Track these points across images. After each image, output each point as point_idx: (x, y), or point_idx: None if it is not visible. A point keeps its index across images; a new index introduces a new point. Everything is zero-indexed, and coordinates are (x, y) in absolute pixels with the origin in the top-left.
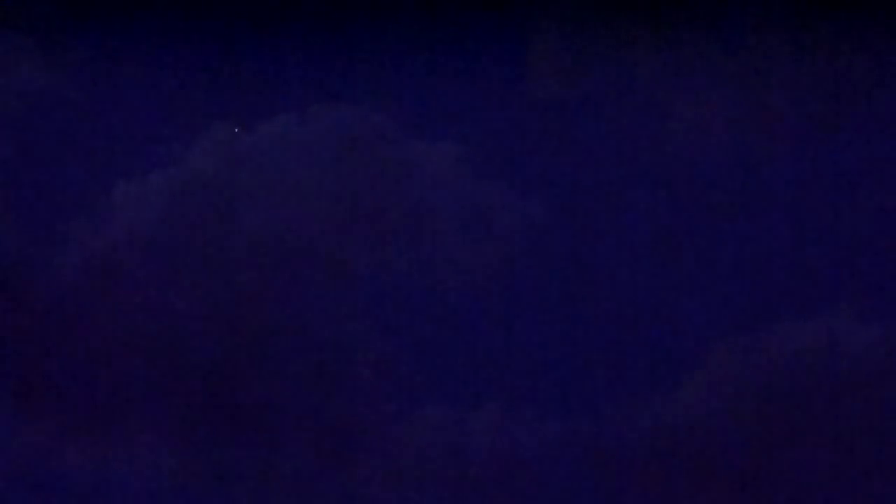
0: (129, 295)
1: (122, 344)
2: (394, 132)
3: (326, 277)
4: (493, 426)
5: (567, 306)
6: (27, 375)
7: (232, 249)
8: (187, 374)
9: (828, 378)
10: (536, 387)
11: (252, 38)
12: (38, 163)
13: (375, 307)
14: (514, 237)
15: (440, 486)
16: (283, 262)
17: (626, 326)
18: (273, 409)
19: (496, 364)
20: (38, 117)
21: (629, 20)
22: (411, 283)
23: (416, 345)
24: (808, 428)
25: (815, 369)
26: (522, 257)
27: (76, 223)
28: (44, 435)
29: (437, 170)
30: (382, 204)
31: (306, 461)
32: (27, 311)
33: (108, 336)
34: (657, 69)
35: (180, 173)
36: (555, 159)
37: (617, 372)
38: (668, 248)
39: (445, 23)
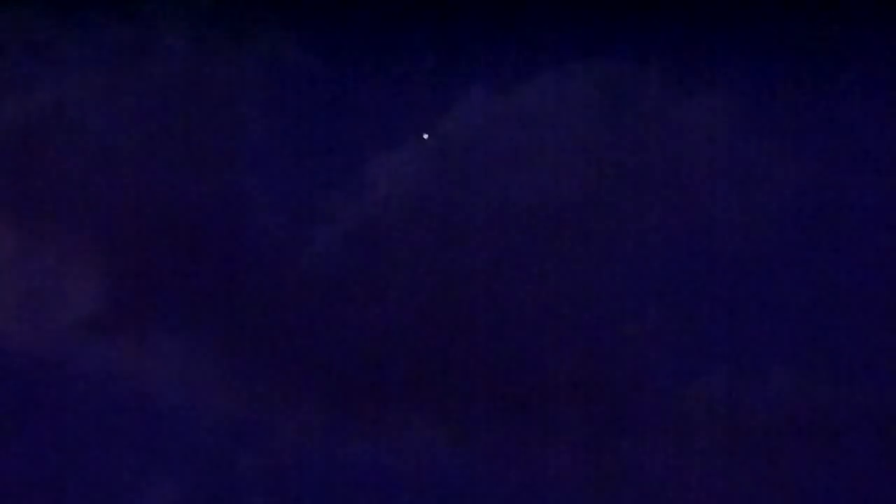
0: (390, 267)
1: (387, 318)
2: (656, 86)
3: (591, 239)
4: (780, 392)
5: (839, 261)
6: (294, 354)
7: (493, 215)
8: (454, 348)
9: None
10: (825, 349)
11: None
12: (294, 139)
13: (644, 269)
14: (780, 189)
15: (722, 454)
16: (547, 225)
17: None
18: (545, 384)
19: (779, 326)
20: (292, 94)
21: None
22: (678, 241)
23: (690, 308)
24: None
25: None
26: (789, 210)
27: (334, 198)
28: (313, 415)
29: (701, 123)
30: (646, 160)
31: (583, 437)
32: (292, 288)
33: (373, 310)
34: None
35: (437, 142)
36: (817, 111)
37: None
38: None
39: None
